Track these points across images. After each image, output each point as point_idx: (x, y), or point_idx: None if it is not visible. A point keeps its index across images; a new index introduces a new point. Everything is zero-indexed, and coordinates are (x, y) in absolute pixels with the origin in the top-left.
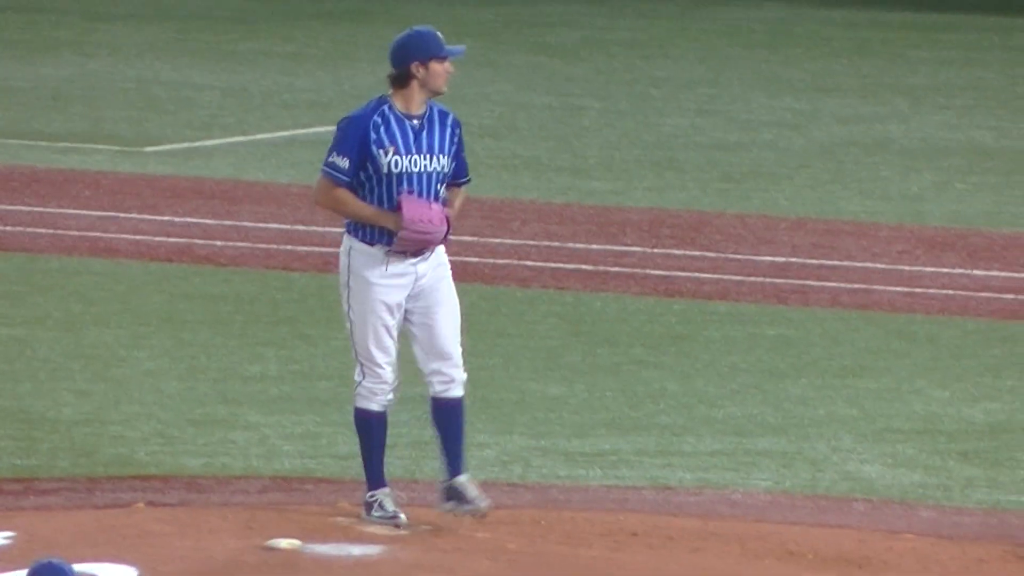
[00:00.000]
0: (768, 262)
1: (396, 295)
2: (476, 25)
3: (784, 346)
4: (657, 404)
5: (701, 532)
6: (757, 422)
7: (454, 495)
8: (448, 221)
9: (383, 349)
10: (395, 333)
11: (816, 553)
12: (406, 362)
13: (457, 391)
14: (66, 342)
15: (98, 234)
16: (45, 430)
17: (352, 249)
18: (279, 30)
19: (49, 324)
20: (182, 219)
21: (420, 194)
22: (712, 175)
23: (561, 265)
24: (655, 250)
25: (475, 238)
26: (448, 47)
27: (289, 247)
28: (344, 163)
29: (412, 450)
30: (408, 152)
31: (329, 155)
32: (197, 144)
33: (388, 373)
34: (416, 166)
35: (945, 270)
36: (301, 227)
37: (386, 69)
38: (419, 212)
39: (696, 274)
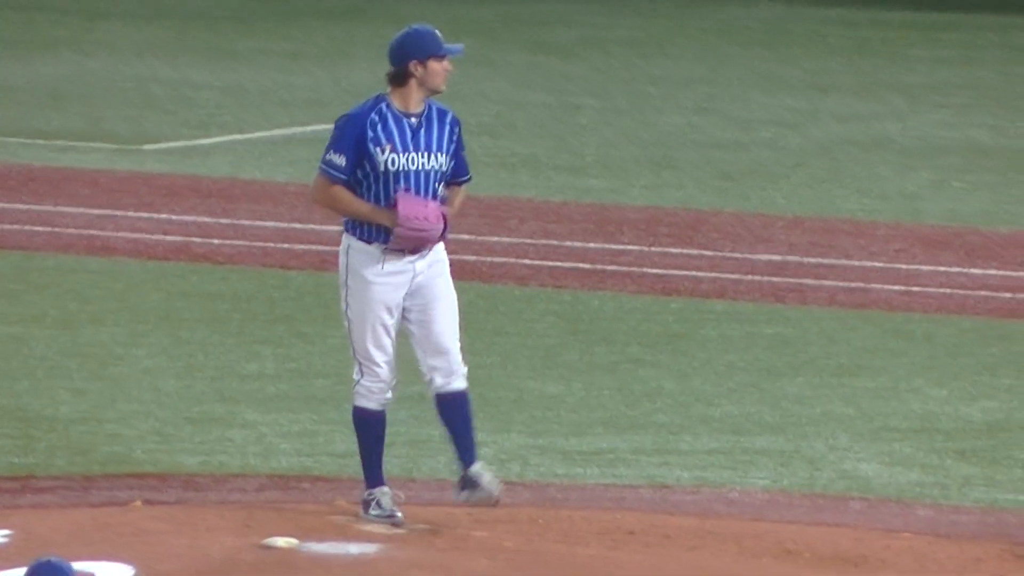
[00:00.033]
0: (765, 261)
1: (394, 293)
2: (474, 23)
3: (781, 345)
4: (654, 403)
5: (698, 531)
6: (754, 421)
7: (467, 484)
8: (445, 219)
9: (381, 348)
10: (393, 332)
11: (813, 552)
12: (404, 361)
13: (459, 384)
14: (63, 340)
15: (95, 232)
16: (42, 428)
17: (350, 248)
18: (277, 29)
19: (46, 322)
20: (179, 217)
21: (417, 192)
22: (710, 174)
23: (559, 263)
24: (652, 249)
25: (472, 236)
26: (447, 46)
27: (286, 245)
28: (341, 161)
29: (409, 449)
30: (405, 150)
31: (326, 153)
32: (195, 142)
33: (386, 372)
34: (413, 164)
35: (942, 269)
36: (298, 225)
37: (384, 67)
38: (414, 209)
39: (693, 273)
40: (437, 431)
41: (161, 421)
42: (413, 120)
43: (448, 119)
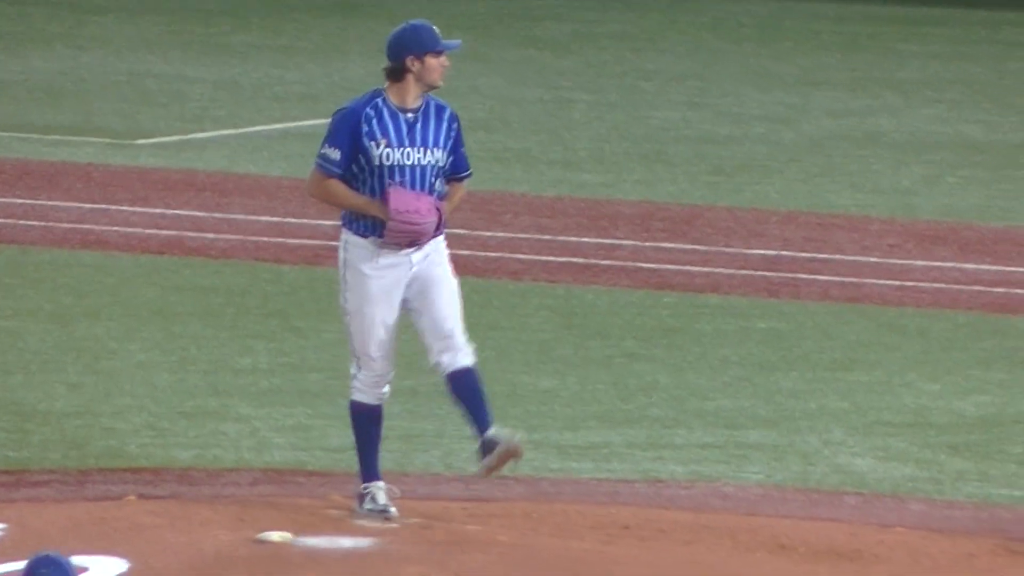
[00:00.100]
0: (759, 255)
1: (391, 286)
2: (466, 18)
3: (775, 339)
4: (648, 397)
5: (692, 525)
6: (748, 415)
7: (486, 448)
8: (440, 212)
9: (377, 342)
10: (391, 328)
11: (807, 546)
12: (400, 355)
13: (466, 360)
14: (57, 334)
15: (89, 226)
16: (36, 422)
17: (347, 242)
18: (270, 23)
19: (40, 316)
20: (173, 212)
21: (413, 187)
22: (702, 168)
23: (552, 258)
24: (646, 243)
25: (466, 231)
26: (444, 42)
27: (280, 240)
28: (335, 155)
29: (403, 443)
30: (400, 145)
31: (322, 147)
32: (188, 137)
33: (381, 366)
34: (408, 159)
35: (936, 263)
36: (292, 220)
37: (377, 62)
38: (406, 203)
39: (687, 267)
40: (431, 426)
41: (155, 415)
42: (410, 115)
43: (447, 115)
